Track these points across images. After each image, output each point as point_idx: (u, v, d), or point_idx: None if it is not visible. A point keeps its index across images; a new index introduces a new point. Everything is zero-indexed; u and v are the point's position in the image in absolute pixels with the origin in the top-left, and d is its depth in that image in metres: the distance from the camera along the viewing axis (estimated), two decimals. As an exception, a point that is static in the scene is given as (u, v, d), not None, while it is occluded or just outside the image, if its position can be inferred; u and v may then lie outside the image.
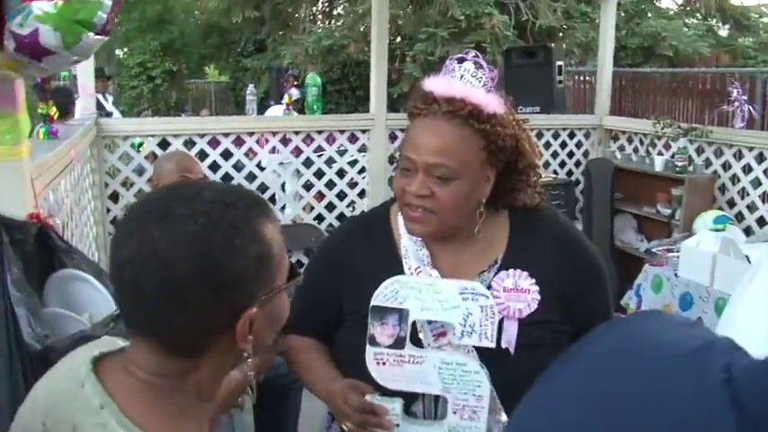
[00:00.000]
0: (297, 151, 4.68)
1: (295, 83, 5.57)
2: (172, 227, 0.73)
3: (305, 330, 1.46)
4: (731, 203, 4.65)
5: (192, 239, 0.72)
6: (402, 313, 1.29)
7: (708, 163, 4.80)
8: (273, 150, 4.59)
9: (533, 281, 1.31)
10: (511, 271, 1.33)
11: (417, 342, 1.31)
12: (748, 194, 4.55)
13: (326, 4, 14.52)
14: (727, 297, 3.47)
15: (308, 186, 4.80)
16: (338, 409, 1.31)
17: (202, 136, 4.31)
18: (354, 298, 1.36)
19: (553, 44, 6.47)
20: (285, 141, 4.61)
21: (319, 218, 4.76)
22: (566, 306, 1.33)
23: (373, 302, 1.30)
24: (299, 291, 1.51)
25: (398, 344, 1.29)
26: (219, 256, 0.72)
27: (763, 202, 4.47)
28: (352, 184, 4.79)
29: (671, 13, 12.51)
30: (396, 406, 1.28)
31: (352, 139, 4.81)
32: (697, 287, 3.67)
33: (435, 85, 1.30)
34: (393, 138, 4.79)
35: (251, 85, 4.88)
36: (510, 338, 1.29)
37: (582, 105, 8.11)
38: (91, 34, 1.37)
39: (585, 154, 5.63)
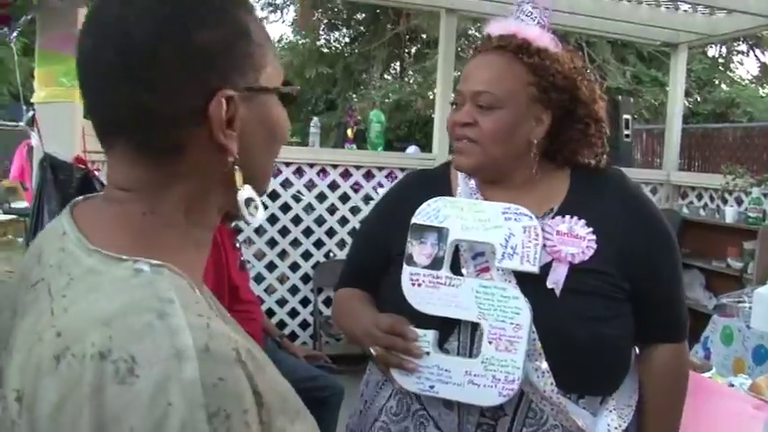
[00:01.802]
0: (357, 186, 4.69)
1: (359, 117, 5.67)
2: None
3: (355, 282, 1.46)
4: (809, 260, 4.39)
5: (152, 5, 0.65)
6: (441, 232, 1.24)
7: (784, 218, 4.58)
8: (333, 184, 4.60)
9: (590, 230, 1.24)
10: (567, 217, 1.26)
11: (458, 273, 1.25)
12: (828, 251, 4.30)
13: (398, 69, 14.89)
14: (804, 349, 3.24)
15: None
16: (368, 334, 1.25)
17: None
18: (402, 240, 1.30)
19: (620, 97, 6.40)
20: (345, 175, 4.64)
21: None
22: (627, 265, 1.25)
23: (414, 220, 1.27)
24: (353, 244, 1.56)
25: (436, 264, 1.23)
26: (182, 21, 0.65)
27: None
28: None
29: (744, 82, 12.30)
30: (428, 334, 1.21)
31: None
32: (771, 338, 3.44)
33: (492, 26, 1.34)
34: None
35: (315, 118, 4.93)
36: (557, 279, 1.21)
37: (650, 164, 7.93)
38: None
39: (652, 208, 5.45)
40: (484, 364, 1.18)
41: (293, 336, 4.53)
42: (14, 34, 2.06)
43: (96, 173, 1.67)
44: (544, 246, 1.23)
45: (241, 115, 0.68)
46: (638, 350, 1.37)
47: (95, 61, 0.66)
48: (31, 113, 2.03)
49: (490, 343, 1.18)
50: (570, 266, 1.22)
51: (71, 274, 0.64)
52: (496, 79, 1.26)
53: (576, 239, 1.23)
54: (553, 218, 1.27)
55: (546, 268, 1.22)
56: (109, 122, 0.68)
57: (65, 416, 0.57)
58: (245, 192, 0.70)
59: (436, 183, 1.39)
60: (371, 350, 1.24)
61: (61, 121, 1.46)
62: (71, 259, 0.66)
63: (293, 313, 4.62)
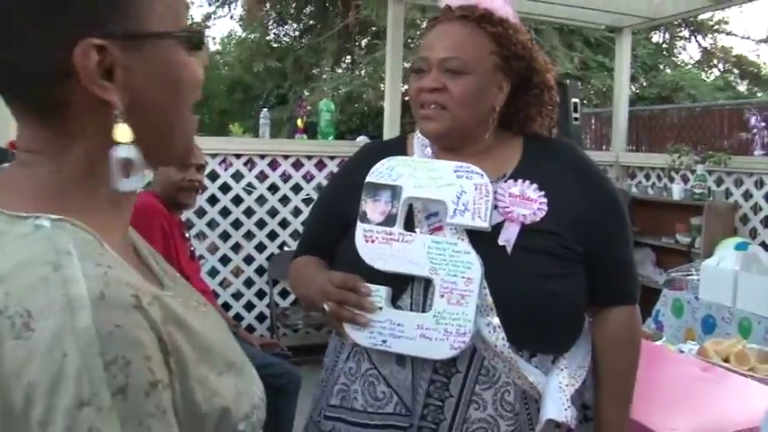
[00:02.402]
0: (309, 176, 4.66)
1: (309, 107, 5.62)
2: None
3: (311, 251, 1.46)
4: (754, 233, 4.53)
5: None
6: (395, 190, 1.26)
7: (728, 193, 4.70)
8: (285, 175, 4.56)
9: (542, 193, 1.27)
10: (519, 181, 1.29)
11: (412, 231, 1.26)
12: (771, 223, 4.44)
13: (349, 62, 14.83)
14: (750, 316, 3.33)
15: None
16: (321, 291, 1.25)
17: (214, 156, 4.30)
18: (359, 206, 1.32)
19: (569, 81, 6.47)
20: (297, 166, 4.60)
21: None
22: (579, 228, 1.28)
23: (368, 179, 1.28)
24: (310, 215, 1.57)
25: (389, 221, 1.25)
26: None
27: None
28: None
29: (687, 67, 12.63)
30: (381, 289, 1.21)
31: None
32: (719, 308, 3.53)
33: None
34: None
35: (265, 109, 4.87)
36: (509, 238, 1.24)
37: (599, 146, 8.08)
38: None
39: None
40: (435, 318, 1.19)
41: (250, 328, 4.47)
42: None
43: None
44: (496, 207, 1.25)
45: (126, 66, 0.64)
46: (590, 319, 1.39)
47: None
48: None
49: (442, 297, 1.19)
50: (522, 227, 1.24)
51: None
52: (462, 46, 1.28)
53: (527, 201, 1.26)
54: (506, 181, 1.30)
55: (498, 228, 1.24)
56: None
57: None
58: (121, 150, 0.65)
59: (392, 152, 1.38)
60: (325, 306, 1.24)
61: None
62: None
63: (249, 306, 4.56)
